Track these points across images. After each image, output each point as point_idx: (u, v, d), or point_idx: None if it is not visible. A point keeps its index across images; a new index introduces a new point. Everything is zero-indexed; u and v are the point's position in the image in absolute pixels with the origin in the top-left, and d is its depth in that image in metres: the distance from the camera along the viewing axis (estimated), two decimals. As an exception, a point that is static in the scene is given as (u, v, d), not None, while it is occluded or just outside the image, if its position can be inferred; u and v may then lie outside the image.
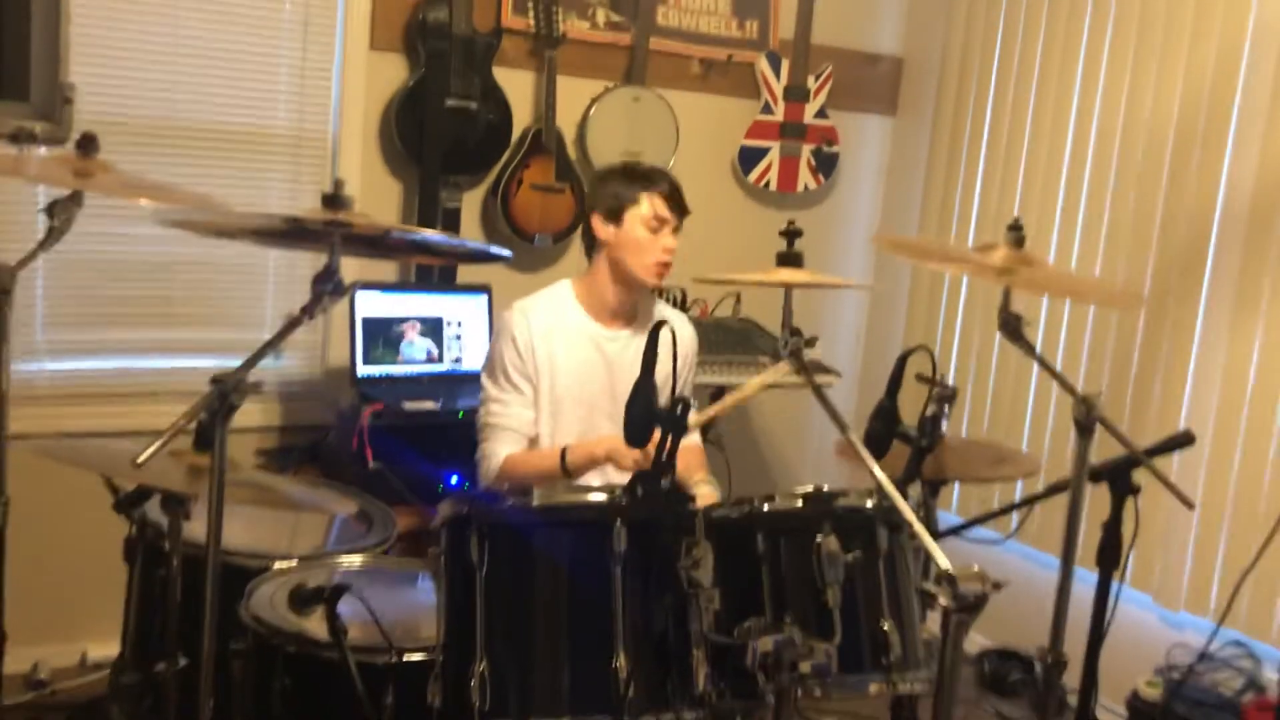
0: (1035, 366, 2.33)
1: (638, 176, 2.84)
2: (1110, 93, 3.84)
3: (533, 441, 2.85)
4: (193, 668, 1.91)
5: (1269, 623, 3.33)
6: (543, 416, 2.83)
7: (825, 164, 4.54)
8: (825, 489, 2.04)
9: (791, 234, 2.25)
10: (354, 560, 2.47)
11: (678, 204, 2.83)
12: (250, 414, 3.54)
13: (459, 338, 3.69)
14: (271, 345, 1.93)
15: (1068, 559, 2.22)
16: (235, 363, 1.86)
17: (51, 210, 2.46)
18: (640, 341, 2.77)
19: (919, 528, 1.76)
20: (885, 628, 1.96)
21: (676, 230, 2.84)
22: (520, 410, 2.82)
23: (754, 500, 2.02)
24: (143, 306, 3.52)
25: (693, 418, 2.91)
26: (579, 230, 3.93)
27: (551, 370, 2.82)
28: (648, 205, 2.78)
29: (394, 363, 3.58)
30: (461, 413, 3.35)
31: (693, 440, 2.94)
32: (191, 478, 2.04)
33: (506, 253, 2.34)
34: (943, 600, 1.64)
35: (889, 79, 4.72)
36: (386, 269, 3.79)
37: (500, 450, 2.81)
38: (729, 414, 2.97)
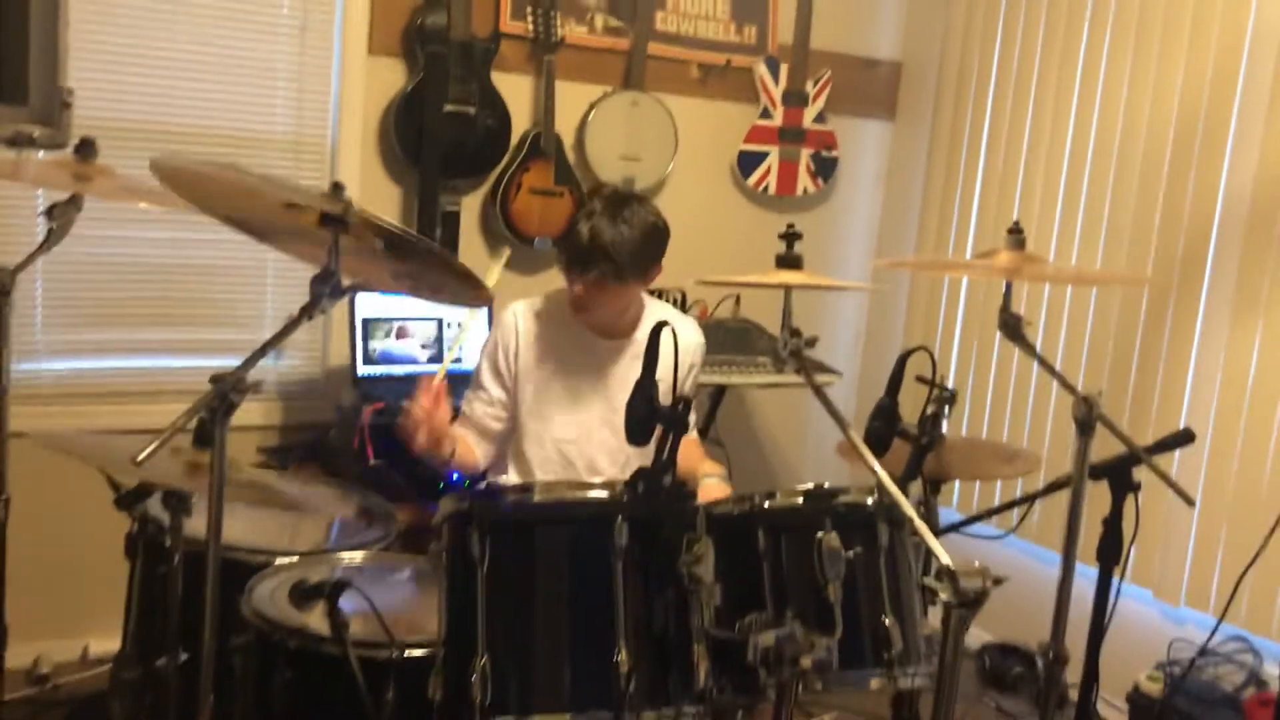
0: (1035, 365, 2.33)
1: (585, 210, 2.68)
2: (1109, 95, 3.85)
3: (493, 437, 2.86)
4: (194, 662, 1.90)
5: (1270, 617, 3.33)
6: (526, 416, 2.83)
7: (824, 168, 4.54)
8: (826, 486, 2.04)
9: (791, 236, 2.25)
10: (355, 556, 2.47)
11: (587, 258, 2.63)
12: (251, 413, 3.55)
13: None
14: (271, 345, 1.94)
15: (1069, 555, 2.23)
16: (235, 363, 1.87)
17: (51, 213, 2.46)
18: (635, 349, 2.79)
19: (919, 524, 1.76)
20: (886, 623, 1.96)
21: (597, 282, 2.66)
22: (481, 407, 2.85)
23: (755, 497, 2.02)
24: (142, 307, 3.52)
25: None
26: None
27: (539, 372, 2.82)
28: (566, 244, 2.70)
29: (393, 362, 3.60)
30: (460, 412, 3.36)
31: (690, 435, 2.92)
32: (191, 475, 2.04)
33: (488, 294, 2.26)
34: (944, 595, 1.64)
35: (888, 84, 4.72)
36: (386, 271, 3.79)
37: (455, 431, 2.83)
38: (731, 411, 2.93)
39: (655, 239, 2.72)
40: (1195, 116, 3.57)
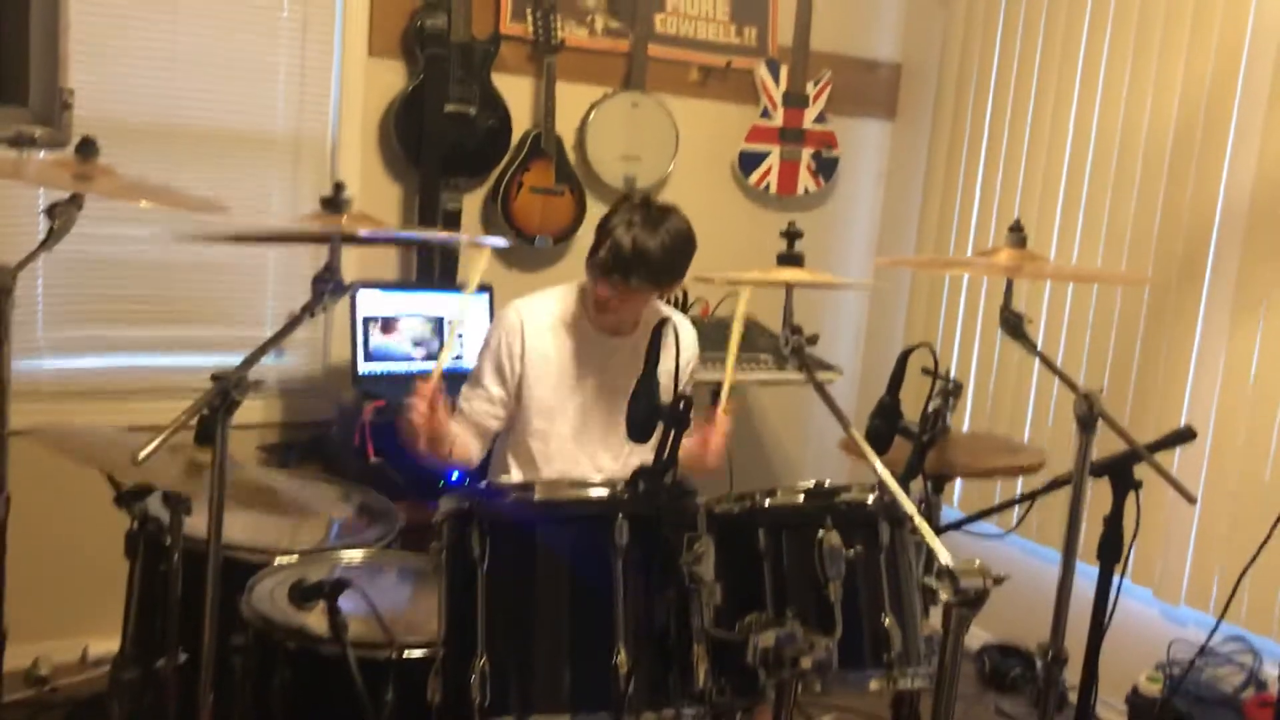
0: (1036, 363, 2.33)
1: (623, 220, 2.68)
2: (1109, 94, 3.85)
3: (489, 434, 2.86)
4: (193, 663, 1.91)
5: (1270, 617, 3.33)
6: (531, 414, 2.83)
7: (825, 167, 4.54)
8: (827, 484, 2.04)
9: (792, 234, 2.25)
10: (355, 555, 2.47)
11: (629, 267, 2.64)
12: (252, 410, 3.53)
13: (460, 336, 3.69)
14: (273, 343, 1.94)
15: (1069, 554, 2.22)
16: (236, 360, 1.87)
17: (52, 212, 2.46)
18: (636, 345, 2.79)
19: (920, 522, 1.76)
20: (886, 623, 1.96)
21: (635, 290, 2.69)
22: (480, 405, 2.84)
23: (756, 495, 2.02)
24: (143, 305, 3.52)
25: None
26: (579, 232, 3.98)
27: (544, 369, 2.82)
28: (605, 252, 2.68)
29: (393, 360, 3.60)
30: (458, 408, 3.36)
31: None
32: (191, 473, 2.05)
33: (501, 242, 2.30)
34: (944, 595, 1.64)
35: (888, 84, 4.72)
36: (388, 268, 3.79)
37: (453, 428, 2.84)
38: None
39: (690, 246, 2.76)
40: (1195, 116, 3.57)
